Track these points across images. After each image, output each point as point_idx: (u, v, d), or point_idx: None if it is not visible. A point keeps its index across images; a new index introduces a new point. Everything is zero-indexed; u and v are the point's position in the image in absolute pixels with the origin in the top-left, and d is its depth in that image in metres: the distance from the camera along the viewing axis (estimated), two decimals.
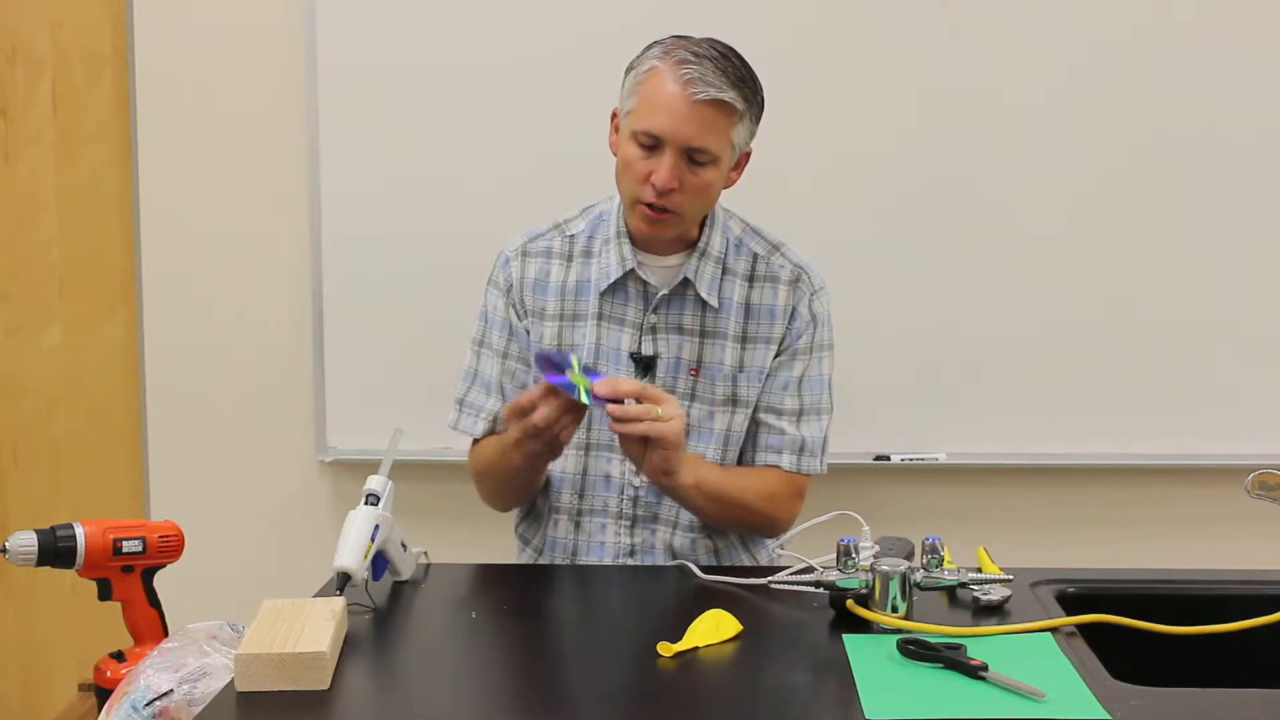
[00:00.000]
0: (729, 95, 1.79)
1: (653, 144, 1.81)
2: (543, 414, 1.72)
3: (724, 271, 1.95)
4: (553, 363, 1.75)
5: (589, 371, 1.76)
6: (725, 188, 1.91)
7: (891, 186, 2.51)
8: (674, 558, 1.95)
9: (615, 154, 1.88)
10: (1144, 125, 2.49)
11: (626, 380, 1.77)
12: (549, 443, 1.77)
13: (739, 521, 1.97)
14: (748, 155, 1.92)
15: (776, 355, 1.95)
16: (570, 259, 1.97)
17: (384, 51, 2.52)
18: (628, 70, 1.87)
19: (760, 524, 1.98)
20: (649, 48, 1.86)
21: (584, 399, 1.71)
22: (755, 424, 1.97)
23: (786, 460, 1.95)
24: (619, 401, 1.72)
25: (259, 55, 2.59)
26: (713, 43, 1.83)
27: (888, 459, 2.57)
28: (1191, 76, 2.48)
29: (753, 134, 1.89)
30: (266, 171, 2.61)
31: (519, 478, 1.92)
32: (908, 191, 2.51)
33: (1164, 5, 2.47)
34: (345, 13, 2.52)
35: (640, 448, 1.76)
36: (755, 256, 1.97)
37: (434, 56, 2.51)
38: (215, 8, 2.59)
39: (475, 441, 2.01)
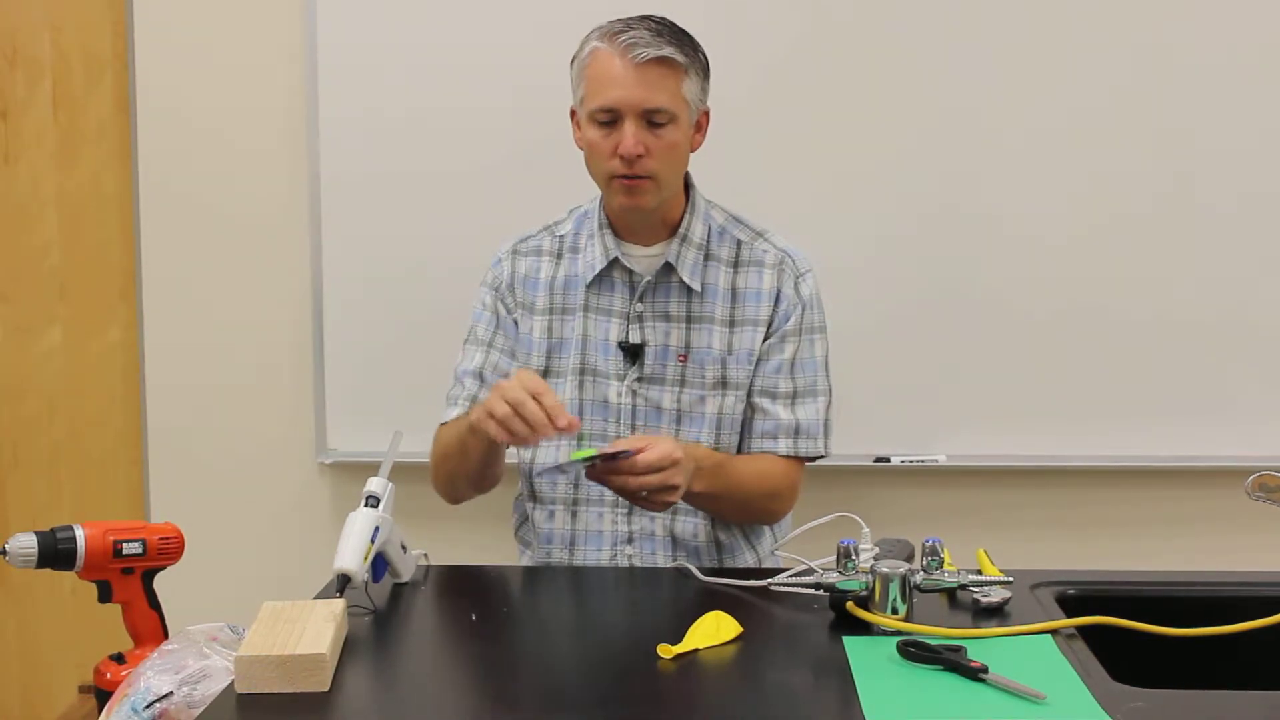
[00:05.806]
0: (669, 51, 1.83)
1: (610, 119, 1.85)
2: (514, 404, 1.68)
3: (707, 257, 1.97)
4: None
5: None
6: (692, 150, 1.93)
7: (891, 187, 2.51)
8: (675, 543, 1.96)
9: (582, 147, 1.91)
10: (1143, 126, 2.49)
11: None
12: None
13: (736, 514, 1.98)
14: (707, 114, 1.95)
15: (766, 339, 1.96)
16: (559, 256, 2.00)
17: (384, 51, 2.52)
18: (571, 63, 1.91)
19: (758, 514, 2.00)
20: (586, 36, 1.89)
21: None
22: (751, 410, 1.97)
23: (783, 445, 1.96)
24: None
25: (258, 57, 2.59)
26: (645, 15, 1.88)
27: (888, 460, 2.57)
28: (1192, 78, 2.48)
29: (705, 91, 1.92)
30: (266, 173, 2.61)
31: (476, 464, 1.89)
32: (908, 192, 2.51)
33: (1165, 10, 2.47)
34: (345, 11, 2.52)
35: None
36: (739, 243, 1.99)
37: (437, 55, 2.51)
38: (215, 9, 2.59)
39: (443, 425, 2.00)
